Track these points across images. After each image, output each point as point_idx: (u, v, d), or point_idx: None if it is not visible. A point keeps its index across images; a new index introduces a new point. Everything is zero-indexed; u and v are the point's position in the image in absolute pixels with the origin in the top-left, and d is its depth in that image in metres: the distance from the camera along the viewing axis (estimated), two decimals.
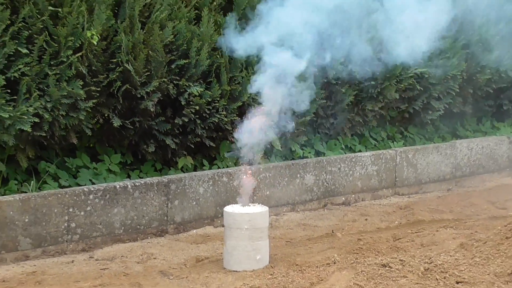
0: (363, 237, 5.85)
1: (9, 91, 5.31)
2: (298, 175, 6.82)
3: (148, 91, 5.98)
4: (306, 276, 4.84)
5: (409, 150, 7.69)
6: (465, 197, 7.47)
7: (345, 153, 7.43)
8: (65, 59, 5.54)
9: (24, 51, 5.36)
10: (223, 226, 5.33)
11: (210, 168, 6.53)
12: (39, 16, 5.44)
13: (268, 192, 6.57)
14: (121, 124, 6.03)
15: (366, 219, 6.60)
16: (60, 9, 5.53)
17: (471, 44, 8.15)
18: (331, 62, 6.68)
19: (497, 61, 8.40)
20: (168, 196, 5.98)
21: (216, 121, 6.34)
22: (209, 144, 6.48)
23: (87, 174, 5.95)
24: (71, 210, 5.49)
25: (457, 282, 4.53)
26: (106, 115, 5.97)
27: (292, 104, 5.56)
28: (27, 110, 5.34)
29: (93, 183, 5.87)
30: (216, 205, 6.22)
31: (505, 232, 5.00)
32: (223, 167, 6.52)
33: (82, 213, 5.55)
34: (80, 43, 5.60)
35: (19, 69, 5.35)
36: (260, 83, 5.41)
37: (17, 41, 5.34)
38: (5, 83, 5.24)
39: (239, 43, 5.69)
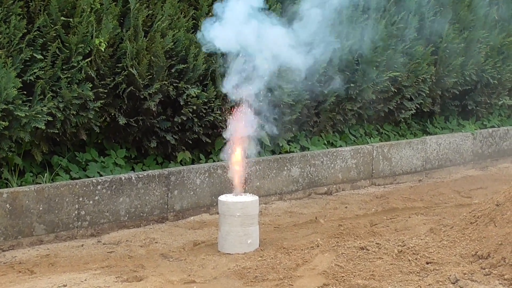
0: (343, 223, 5.86)
1: (25, 92, 5.28)
2: (285, 168, 6.81)
3: (151, 92, 5.95)
4: (292, 258, 4.84)
5: (385, 145, 7.69)
6: (434, 187, 7.50)
7: (327, 148, 7.41)
8: (75, 64, 5.51)
9: (39, 56, 5.34)
10: (218, 213, 5.32)
11: (206, 162, 6.50)
12: (52, 26, 5.42)
13: (258, 183, 6.55)
14: (126, 122, 6.00)
15: (346, 207, 6.60)
16: (71, 19, 5.50)
17: (440, 50, 8.16)
18: None
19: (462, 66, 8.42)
20: (169, 186, 5.97)
21: (212, 119, 6.32)
22: (205, 140, 6.45)
23: (95, 167, 5.92)
24: (81, 199, 5.47)
25: (427, 263, 4.55)
26: (112, 114, 5.95)
27: None
28: (42, 109, 5.31)
29: (101, 175, 5.85)
30: (212, 194, 6.21)
31: (469, 218, 5.03)
32: (218, 161, 6.50)
33: (91, 202, 5.53)
34: (89, 49, 5.57)
35: (35, 73, 5.33)
36: None
37: (32, 48, 5.32)
38: (21, 85, 5.21)
39: None
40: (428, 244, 4.82)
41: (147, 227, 5.80)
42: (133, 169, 6.17)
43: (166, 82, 6.04)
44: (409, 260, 4.59)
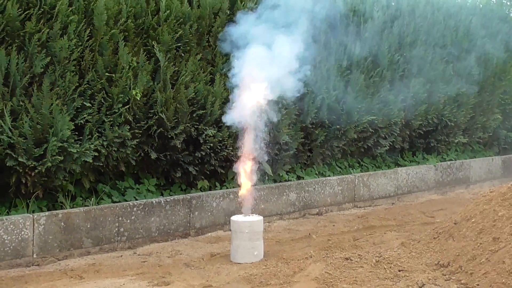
0: (332, 238, 5.84)
1: (76, 133, 5.31)
2: (284, 193, 6.79)
3: (176, 133, 5.96)
4: (290, 266, 4.83)
5: (364, 175, 7.67)
6: (404, 209, 7.46)
7: (318, 177, 7.40)
8: (117, 110, 5.54)
9: (88, 104, 5.38)
10: (230, 230, 5.31)
11: (221, 189, 6.49)
12: (99, 80, 5.46)
13: (263, 206, 6.53)
14: (156, 156, 6.01)
15: (333, 225, 6.57)
16: (114, 75, 5.55)
17: (407, 98, 8.19)
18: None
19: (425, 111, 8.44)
20: (191, 208, 5.96)
21: (226, 154, 6.31)
22: (220, 171, 6.44)
23: (132, 193, 5.92)
24: (120, 218, 5.47)
25: (399, 270, 4.53)
26: (146, 150, 5.95)
27: None
28: (89, 146, 5.34)
29: (136, 199, 5.85)
30: (225, 215, 6.18)
31: (433, 234, 5.02)
32: (231, 188, 6.49)
33: (128, 221, 5.52)
34: (128, 99, 5.61)
35: (84, 117, 5.37)
36: None
37: (83, 98, 5.37)
38: (74, 127, 5.25)
39: None
40: (400, 255, 4.80)
41: (173, 241, 5.79)
42: (162, 195, 6.15)
43: (188, 125, 6.06)
44: (384, 268, 4.57)
